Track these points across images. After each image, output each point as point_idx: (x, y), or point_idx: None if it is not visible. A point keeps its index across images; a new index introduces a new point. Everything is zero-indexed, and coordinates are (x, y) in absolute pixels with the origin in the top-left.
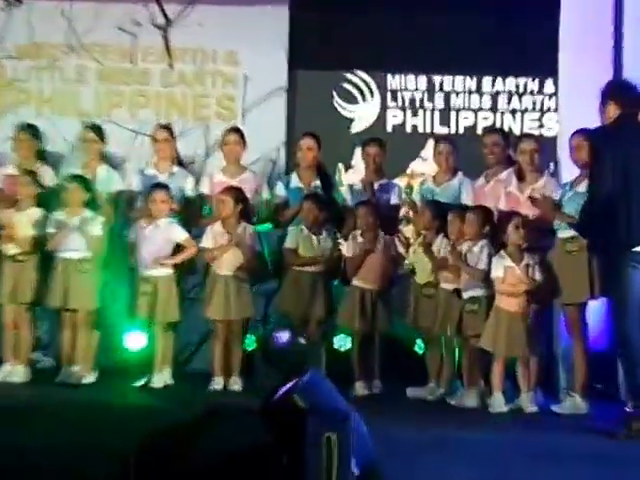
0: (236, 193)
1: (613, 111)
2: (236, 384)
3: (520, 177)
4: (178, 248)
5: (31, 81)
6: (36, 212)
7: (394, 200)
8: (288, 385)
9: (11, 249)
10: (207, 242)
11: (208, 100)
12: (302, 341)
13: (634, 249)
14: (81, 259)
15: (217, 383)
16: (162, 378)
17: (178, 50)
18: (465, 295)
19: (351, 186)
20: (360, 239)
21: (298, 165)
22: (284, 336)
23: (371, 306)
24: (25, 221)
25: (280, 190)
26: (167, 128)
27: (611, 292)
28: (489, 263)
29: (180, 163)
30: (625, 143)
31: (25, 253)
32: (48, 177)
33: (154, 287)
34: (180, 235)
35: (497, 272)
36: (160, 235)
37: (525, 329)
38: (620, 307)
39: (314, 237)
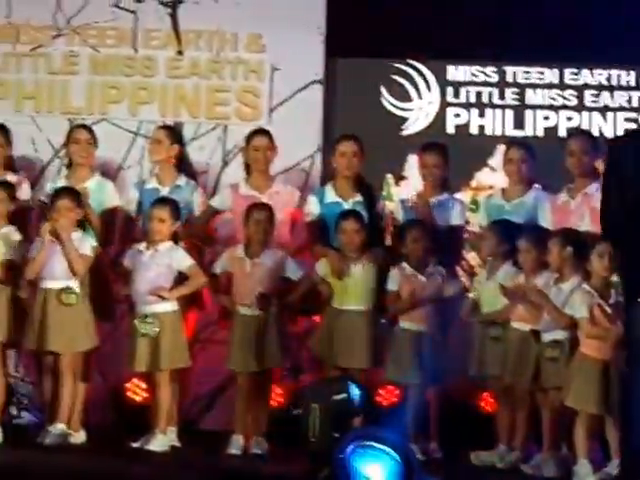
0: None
1: None
2: (259, 447)
3: None
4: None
5: (9, 71)
6: (11, 232)
7: (456, 220)
8: None
9: None
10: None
11: (226, 95)
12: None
13: None
14: (65, 289)
15: (236, 446)
16: (166, 439)
17: (189, 33)
18: (545, 338)
19: (403, 202)
20: (408, 268)
21: (336, 175)
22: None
23: (421, 352)
24: None
25: (313, 206)
26: (167, 128)
27: None
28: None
29: (190, 173)
30: None
31: None
32: (24, 190)
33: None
34: (183, 262)
35: (581, 311)
36: (160, 262)
37: (619, 381)
38: None
39: (353, 266)
